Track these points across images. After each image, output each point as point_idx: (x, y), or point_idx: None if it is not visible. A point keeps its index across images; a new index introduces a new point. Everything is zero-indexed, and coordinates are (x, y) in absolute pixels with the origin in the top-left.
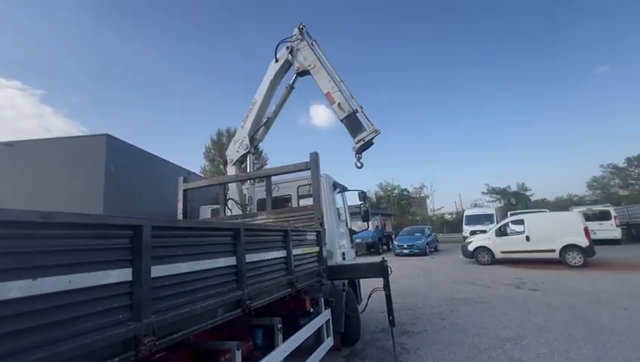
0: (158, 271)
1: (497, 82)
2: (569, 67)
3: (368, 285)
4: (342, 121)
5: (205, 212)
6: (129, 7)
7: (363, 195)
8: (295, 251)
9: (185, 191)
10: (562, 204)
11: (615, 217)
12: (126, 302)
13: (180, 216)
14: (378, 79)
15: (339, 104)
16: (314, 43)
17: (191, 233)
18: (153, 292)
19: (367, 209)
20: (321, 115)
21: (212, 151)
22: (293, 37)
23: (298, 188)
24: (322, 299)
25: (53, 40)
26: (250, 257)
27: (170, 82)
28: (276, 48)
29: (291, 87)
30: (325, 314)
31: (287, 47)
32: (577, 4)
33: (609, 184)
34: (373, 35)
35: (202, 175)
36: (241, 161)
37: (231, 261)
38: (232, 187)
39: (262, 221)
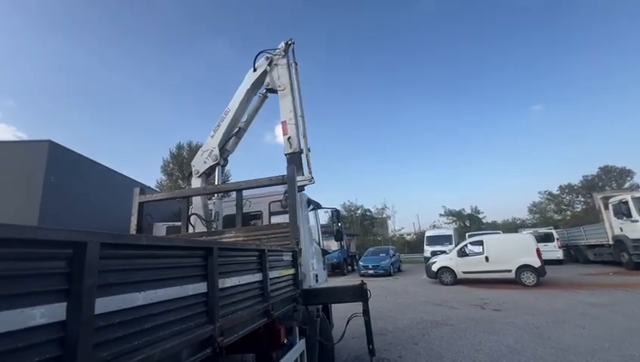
0: (104, 304)
1: (450, 116)
2: (507, 103)
3: (340, 308)
4: (286, 155)
5: (160, 230)
6: (80, 11)
7: (336, 214)
8: (272, 274)
9: (141, 204)
10: (509, 227)
11: (557, 239)
12: (54, 351)
13: (132, 233)
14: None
15: (289, 138)
16: (293, 65)
17: (152, 253)
18: (96, 336)
19: (340, 228)
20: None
21: (171, 164)
22: (277, 50)
23: (270, 204)
24: (296, 328)
25: None
26: (223, 282)
27: (124, 92)
28: (256, 57)
29: (265, 96)
30: (300, 346)
31: (267, 58)
32: (515, 48)
33: (546, 209)
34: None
35: (158, 190)
36: (208, 173)
37: (201, 287)
38: (197, 201)
39: (230, 239)
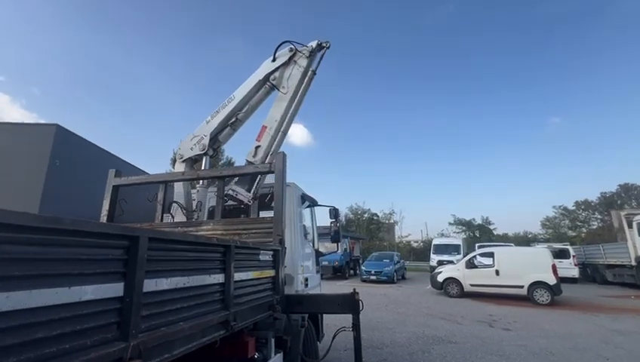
0: None
1: (464, 124)
2: (525, 113)
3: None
4: (246, 160)
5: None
6: (107, 7)
7: (335, 212)
8: (238, 275)
9: (115, 187)
10: (520, 240)
11: (574, 256)
12: None
13: (103, 219)
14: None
15: (258, 147)
16: (311, 73)
17: (35, 238)
18: None
19: (338, 229)
20: (296, 133)
21: None
22: (305, 47)
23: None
24: (273, 339)
25: (17, 27)
26: (154, 283)
27: (142, 84)
28: (279, 46)
29: (270, 88)
30: (275, 361)
31: (291, 50)
32: (533, 59)
33: (560, 224)
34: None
35: None
36: (195, 160)
37: (112, 290)
38: (179, 188)
39: (207, 232)
